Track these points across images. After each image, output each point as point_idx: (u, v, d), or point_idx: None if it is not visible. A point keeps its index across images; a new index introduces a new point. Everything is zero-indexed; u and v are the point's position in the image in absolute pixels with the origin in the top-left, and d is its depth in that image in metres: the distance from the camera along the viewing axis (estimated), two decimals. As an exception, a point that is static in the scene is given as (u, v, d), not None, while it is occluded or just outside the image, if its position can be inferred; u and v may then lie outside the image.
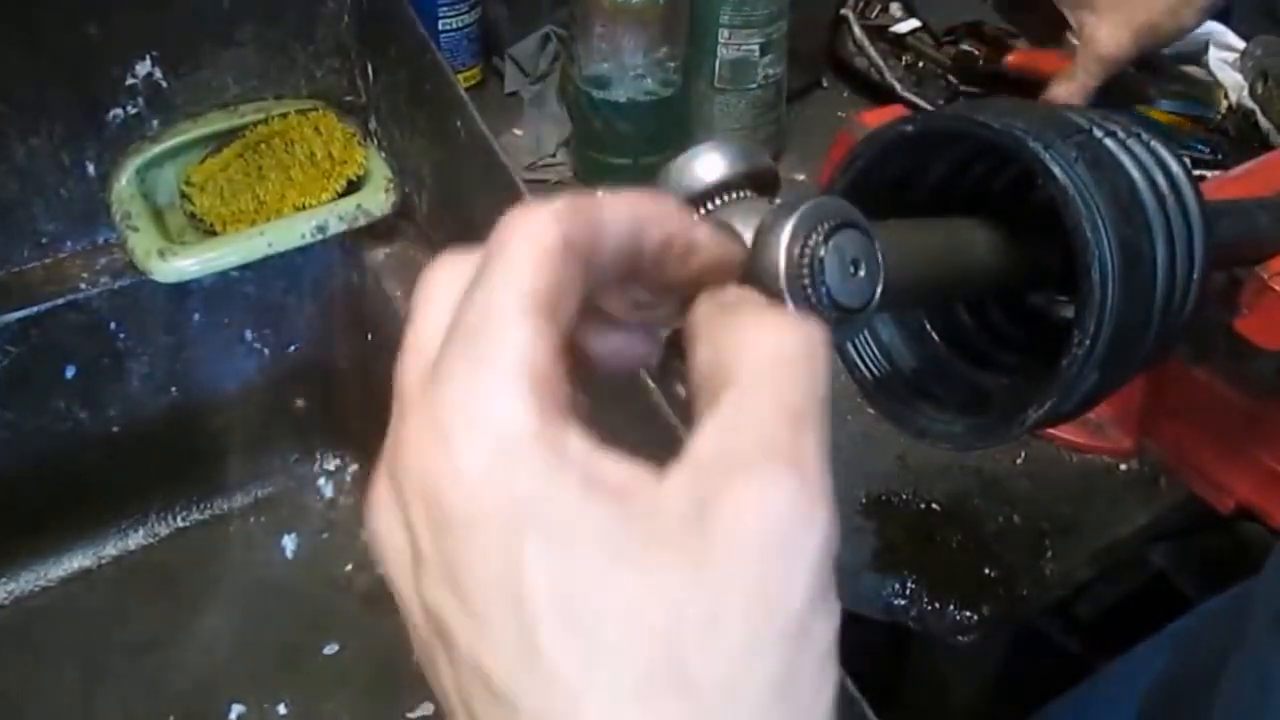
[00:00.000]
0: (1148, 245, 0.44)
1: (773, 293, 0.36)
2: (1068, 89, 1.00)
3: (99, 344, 0.88)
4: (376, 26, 0.88)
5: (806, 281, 0.36)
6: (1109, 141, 0.46)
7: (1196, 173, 0.50)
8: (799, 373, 0.31)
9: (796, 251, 0.36)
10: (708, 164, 0.38)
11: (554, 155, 1.01)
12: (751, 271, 0.37)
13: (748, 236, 0.37)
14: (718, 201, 0.38)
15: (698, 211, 0.38)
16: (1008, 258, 0.47)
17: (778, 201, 0.38)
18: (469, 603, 0.28)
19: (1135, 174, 0.45)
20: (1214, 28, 1.06)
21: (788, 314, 0.35)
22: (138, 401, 0.91)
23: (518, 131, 1.02)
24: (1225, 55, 1.05)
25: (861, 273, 0.37)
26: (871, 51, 1.15)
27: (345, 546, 0.97)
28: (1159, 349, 0.47)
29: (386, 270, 0.91)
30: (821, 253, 0.36)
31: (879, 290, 0.37)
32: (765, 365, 0.31)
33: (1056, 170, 0.43)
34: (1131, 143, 0.47)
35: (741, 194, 0.38)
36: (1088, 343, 0.43)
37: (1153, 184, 0.46)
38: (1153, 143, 0.48)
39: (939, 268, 0.45)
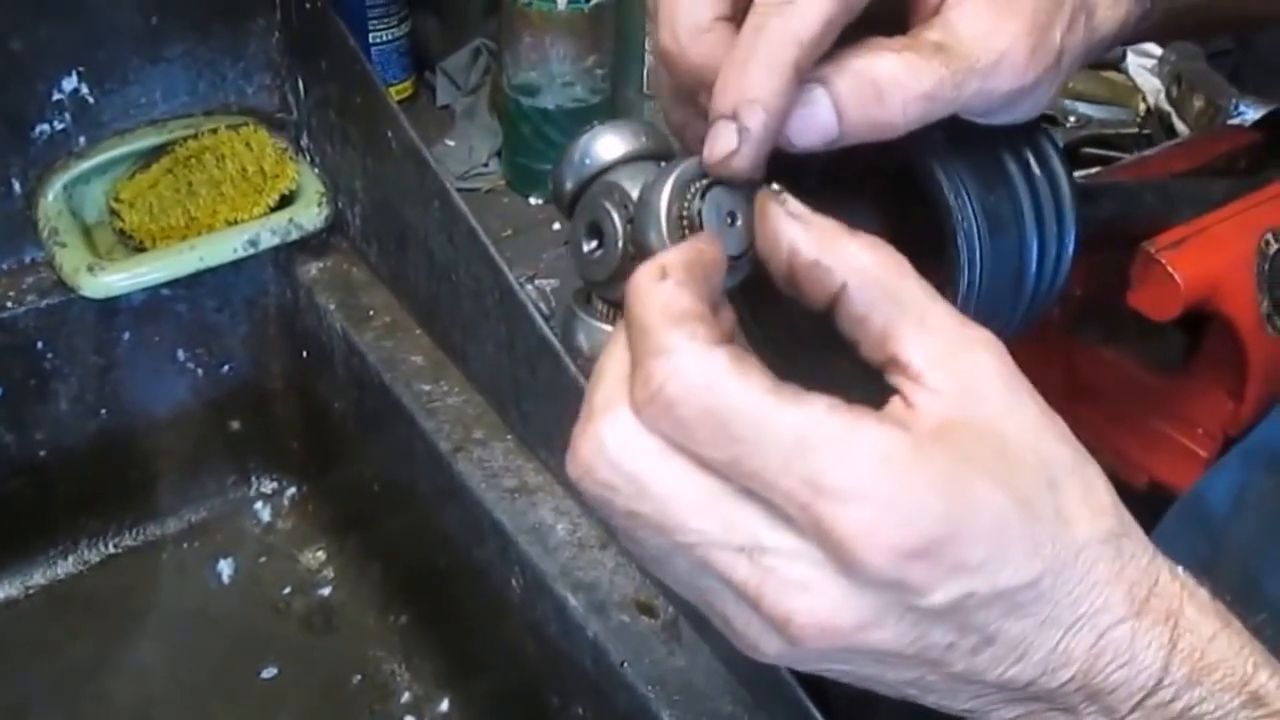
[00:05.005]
0: (1011, 211, 0.47)
1: (657, 244, 0.39)
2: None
3: (26, 365, 0.86)
4: (307, 41, 0.87)
5: (687, 232, 0.40)
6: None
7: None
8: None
9: (677, 208, 0.40)
10: (606, 144, 0.43)
11: (486, 164, 1.01)
12: (637, 225, 0.40)
13: (634, 194, 0.41)
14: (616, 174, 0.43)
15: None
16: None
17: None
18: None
19: (1001, 147, 0.47)
20: (1131, 35, 1.09)
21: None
22: (66, 424, 0.89)
23: (450, 142, 1.02)
24: (1144, 61, 1.08)
25: (739, 223, 0.40)
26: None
27: (284, 570, 0.95)
28: (1032, 313, 0.49)
29: (320, 285, 0.90)
30: (699, 205, 0.40)
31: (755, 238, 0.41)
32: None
33: (919, 145, 0.44)
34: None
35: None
36: (958, 301, 0.45)
37: (1017, 154, 0.48)
38: None
39: None
